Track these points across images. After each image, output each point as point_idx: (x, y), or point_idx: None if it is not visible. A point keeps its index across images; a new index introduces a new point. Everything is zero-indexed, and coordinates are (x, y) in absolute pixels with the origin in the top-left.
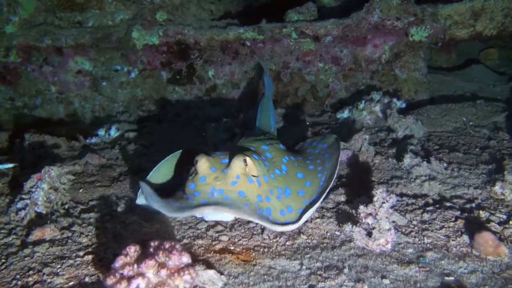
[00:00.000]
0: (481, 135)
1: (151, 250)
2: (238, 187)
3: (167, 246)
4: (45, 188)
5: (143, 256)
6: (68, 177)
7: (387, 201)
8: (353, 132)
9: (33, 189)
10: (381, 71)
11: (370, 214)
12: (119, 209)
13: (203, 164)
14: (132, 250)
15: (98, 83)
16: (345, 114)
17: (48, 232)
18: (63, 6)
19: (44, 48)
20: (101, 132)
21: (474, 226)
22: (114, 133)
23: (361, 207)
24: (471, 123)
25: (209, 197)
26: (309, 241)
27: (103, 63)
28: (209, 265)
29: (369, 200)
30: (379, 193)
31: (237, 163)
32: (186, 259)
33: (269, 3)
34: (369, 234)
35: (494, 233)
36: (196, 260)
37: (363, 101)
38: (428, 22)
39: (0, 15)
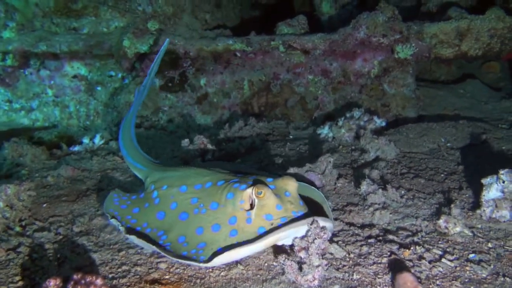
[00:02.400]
0: (453, 159)
1: (71, 284)
2: (304, 206)
3: (87, 280)
4: (1, 205)
5: None
6: (29, 193)
7: (319, 237)
8: (323, 152)
9: None
10: (370, 86)
11: (304, 248)
12: (74, 229)
13: (271, 194)
14: (52, 284)
15: (93, 88)
16: (325, 130)
17: None
18: (60, 12)
19: (41, 53)
20: (86, 140)
21: (403, 264)
22: (98, 141)
23: (297, 239)
24: (448, 144)
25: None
26: (244, 272)
27: (98, 68)
28: None
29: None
30: (313, 228)
31: (294, 185)
32: None
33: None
34: (300, 268)
35: (421, 272)
36: None
37: (342, 118)
38: (413, 40)
39: None
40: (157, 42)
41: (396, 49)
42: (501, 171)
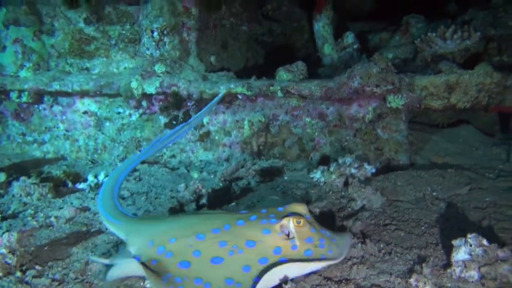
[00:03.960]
0: (437, 210)
1: None
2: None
3: None
4: (4, 252)
5: None
6: (31, 238)
7: None
8: (314, 198)
9: None
10: (364, 130)
11: None
12: (71, 274)
13: (306, 221)
14: None
15: (101, 123)
16: (317, 174)
17: None
18: (74, 53)
19: (54, 92)
20: (90, 177)
21: None
22: (102, 178)
23: None
24: (434, 193)
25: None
26: None
27: (107, 105)
28: None
29: None
30: None
31: (306, 208)
32: None
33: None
34: None
35: None
36: None
37: (334, 164)
38: (405, 92)
39: (15, 61)
40: (162, 84)
41: (388, 98)
42: (469, 236)
